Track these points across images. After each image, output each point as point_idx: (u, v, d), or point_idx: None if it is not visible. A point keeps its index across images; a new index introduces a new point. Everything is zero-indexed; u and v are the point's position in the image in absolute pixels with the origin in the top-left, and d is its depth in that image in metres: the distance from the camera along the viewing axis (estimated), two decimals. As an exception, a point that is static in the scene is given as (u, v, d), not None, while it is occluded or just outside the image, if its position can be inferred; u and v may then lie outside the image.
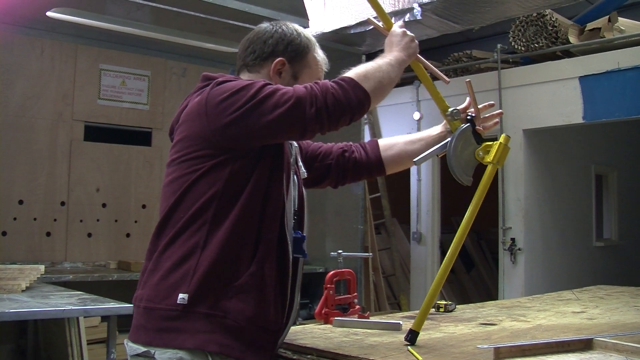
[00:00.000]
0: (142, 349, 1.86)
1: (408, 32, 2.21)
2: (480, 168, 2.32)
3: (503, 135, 2.32)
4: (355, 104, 1.94)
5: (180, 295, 1.83)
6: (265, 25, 2.17)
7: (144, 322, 1.88)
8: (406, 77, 8.50)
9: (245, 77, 2.10)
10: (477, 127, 2.32)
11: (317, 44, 2.21)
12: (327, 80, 1.97)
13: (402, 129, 7.74)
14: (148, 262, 1.97)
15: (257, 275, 1.91)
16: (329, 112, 1.90)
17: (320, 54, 2.21)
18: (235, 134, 1.89)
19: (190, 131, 1.94)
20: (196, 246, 1.87)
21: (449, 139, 2.30)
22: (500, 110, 2.41)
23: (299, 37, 2.14)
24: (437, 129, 2.47)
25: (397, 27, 2.23)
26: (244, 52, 2.14)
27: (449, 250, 2.24)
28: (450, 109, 2.35)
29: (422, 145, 2.42)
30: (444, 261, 2.25)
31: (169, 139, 2.14)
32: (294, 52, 2.12)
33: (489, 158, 2.30)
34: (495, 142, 2.31)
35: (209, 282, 1.85)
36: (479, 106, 2.38)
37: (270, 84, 1.92)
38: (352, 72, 2.01)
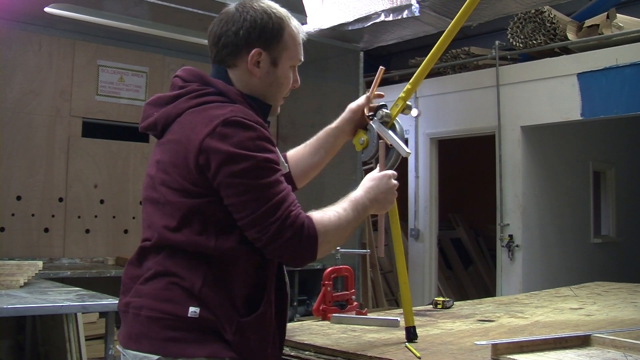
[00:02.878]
0: (153, 356, 1.79)
1: (395, 183, 2.11)
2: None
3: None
4: (300, 263, 1.88)
5: (192, 309, 1.78)
6: (231, 11, 2.00)
7: (146, 331, 1.82)
8: (404, 74, 8.51)
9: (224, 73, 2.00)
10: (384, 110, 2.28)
11: (290, 16, 2.03)
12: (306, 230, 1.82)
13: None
14: (137, 269, 1.90)
15: (265, 316, 1.88)
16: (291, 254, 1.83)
17: (294, 25, 2.03)
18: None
19: (179, 159, 1.83)
20: (199, 270, 1.82)
21: (390, 144, 2.23)
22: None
23: (270, 19, 1.96)
24: (331, 135, 2.36)
25: (389, 173, 2.12)
26: (215, 47, 2.01)
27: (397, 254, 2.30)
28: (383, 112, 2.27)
29: (322, 154, 2.35)
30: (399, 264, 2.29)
31: (150, 128, 2.00)
32: (269, 37, 1.96)
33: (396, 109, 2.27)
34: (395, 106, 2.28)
35: (220, 311, 1.81)
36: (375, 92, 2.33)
37: (282, 182, 1.82)
38: (327, 232, 1.86)
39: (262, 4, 1.99)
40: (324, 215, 1.88)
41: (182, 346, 1.78)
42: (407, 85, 2.29)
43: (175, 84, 1.99)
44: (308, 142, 2.38)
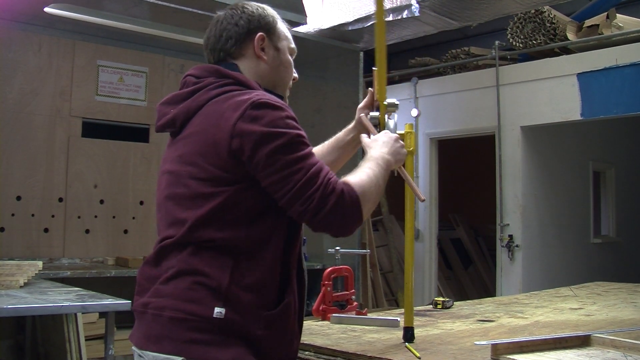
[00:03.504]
0: (175, 358, 1.76)
1: (395, 134, 2.14)
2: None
3: (407, 125, 2.31)
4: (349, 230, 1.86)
5: (217, 310, 1.75)
6: (224, 13, 2.07)
7: (168, 333, 1.78)
8: (404, 73, 8.51)
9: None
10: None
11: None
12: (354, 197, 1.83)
13: (400, 126, 7.70)
14: (155, 269, 1.87)
15: (290, 306, 1.87)
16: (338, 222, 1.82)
17: (283, 21, 2.14)
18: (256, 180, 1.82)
19: (207, 148, 1.83)
20: (226, 265, 1.79)
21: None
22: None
23: (264, 10, 2.07)
24: (347, 134, 2.38)
25: (385, 130, 2.17)
26: (218, 42, 2.04)
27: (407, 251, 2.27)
28: (374, 114, 2.28)
29: (340, 153, 2.38)
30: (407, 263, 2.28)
31: (168, 125, 1.97)
32: (267, 24, 2.06)
33: (409, 148, 2.26)
34: (405, 132, 2.29)
35: (245, 306, 1.79)
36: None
37: (314, 155, 1.83)
38: (366, 198, 1.87)
39: (253, 3, 2.09)
40: (356, 176, 1.89)
41: (205, 349, 1.75)
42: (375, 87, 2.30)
43: (189, 82, 1.99)
44: (327, 141, 2.41)
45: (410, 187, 2.27)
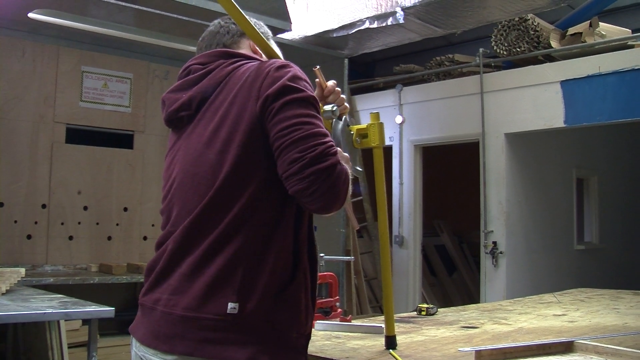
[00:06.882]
0: (186, 358, 1.71)
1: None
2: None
3: (372, 114, 2.26)
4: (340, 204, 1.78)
5: (230, 305, 1.69)
6: (218, 19, 2.09)
7: (180, 332, 1.72)
8: (388, 80, 8.53)
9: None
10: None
11: None
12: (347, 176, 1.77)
13: (385, 133, 7.72)
14: (170, 264, 1.80)
15: (302, 283, 1.81)
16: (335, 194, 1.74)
17: None
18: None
19: (233, 116, 1.79)
20: (242, 252, 1.73)
21: None
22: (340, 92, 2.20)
23: (259, 21, 2.11)
24: None
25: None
26: (215, 37, 2.04)
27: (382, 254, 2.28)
28: (327, 108, 2.11)
29: None
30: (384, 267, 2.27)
31: (182, 109, 1.92)
32: (263, 31, 2.07)
33: (373, 142, 2.23)
34: (368, 124, 2.25)
35: (259, 291, 1.72)
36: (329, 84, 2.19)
37: (323, 125, 1.79)
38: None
39: None
40: None
41: (219, 348, 1.69)
42: None
43: (195, 69, 1.96)
44: None
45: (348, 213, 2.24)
